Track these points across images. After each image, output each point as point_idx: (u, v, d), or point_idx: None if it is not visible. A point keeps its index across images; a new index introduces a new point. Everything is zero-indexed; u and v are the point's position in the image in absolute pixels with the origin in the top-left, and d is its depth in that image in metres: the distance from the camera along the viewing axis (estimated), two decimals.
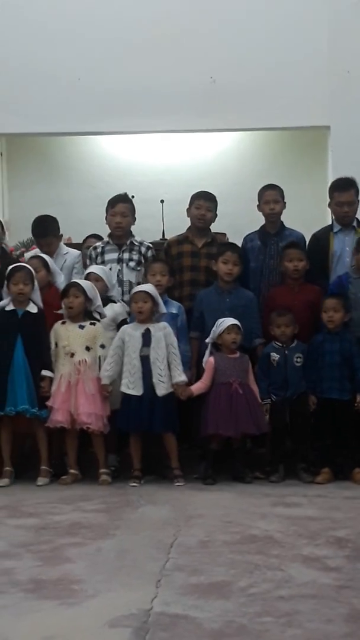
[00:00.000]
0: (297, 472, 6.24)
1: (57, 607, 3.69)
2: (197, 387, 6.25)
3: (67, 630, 3.47)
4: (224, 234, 7.63)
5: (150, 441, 6.33)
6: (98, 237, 7.28)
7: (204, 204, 6.87)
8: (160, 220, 8.77)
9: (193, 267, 6.77)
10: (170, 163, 10.13)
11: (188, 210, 6.93)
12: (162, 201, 8.84)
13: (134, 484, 6.06)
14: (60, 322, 6.37)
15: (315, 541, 4.62)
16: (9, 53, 9.05)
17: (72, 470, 6.24)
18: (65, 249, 7.10)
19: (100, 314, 6.41)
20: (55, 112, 9.03)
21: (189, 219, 6.95)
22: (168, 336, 6.24)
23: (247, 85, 8.93)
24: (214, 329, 6.28)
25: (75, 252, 7.11)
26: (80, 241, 7.75)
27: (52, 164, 10.30)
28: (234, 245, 6.80)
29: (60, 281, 6.65)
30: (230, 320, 6.26)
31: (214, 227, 7.13)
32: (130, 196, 7.05)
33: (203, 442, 6.32)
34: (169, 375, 6.19)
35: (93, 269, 6.61)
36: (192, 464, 6.36)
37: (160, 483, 6.14)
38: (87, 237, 7.60)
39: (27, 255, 7.22)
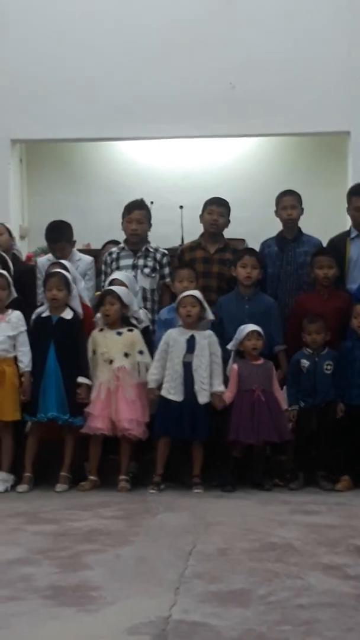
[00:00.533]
0: (317, 480, 6.21)
1: (76, 614, 3.67)
2: (227, 397, 6.23)
3: (86, 637, 3.46)
4: (243, 240, 7.62)
5: (172, 448, 6.32)
6: (117, 244, 7.28)
7: (216, 209, 6.86)
8: (179, 226, 8.77)
9: (205, 273, 6.75)
10: (189, 169, 10.14)
11: (201, 216, 6.94)
12: (181, 207, 8.85)
13: (153, 491, 6.05)
14: (97, 329, 6.37)
15: (334, 549, 4.59)
16: (29, 60, 9.09)
17: (91, 477, 6.24)
18: (78, 255, 7.08)
19: (137, 319, 6.40)
20: (75, 118, 9.08)
21: (201, 225, 6.95)
22: (212, 345, 6.22)
23: (267, 91, 8.93)
24: (236, 335, 6.27)
25: (88, 259, 7.10)
26: (99, 247, 7.76)
27: (71, 170, 10.33)
28: (251, 249, 6.79)
29: (81, 287, 6.65)
30: (251, 327, 6.24)
31: (232, 233, 7.12)
32: (149, 202, 7.06)
33: (225, 449, 6.30)
34: (210, 383, 6.17)
35: (117, 274, 6.60)
36: (211, 471, 6.34)
37: (179, 490, 6.13)
38: (106, 244, 7.60)
39: (40, 260, 7.22)
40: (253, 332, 6.23)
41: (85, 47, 9.07)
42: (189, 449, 6.25)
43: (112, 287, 6.38)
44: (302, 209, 6.90)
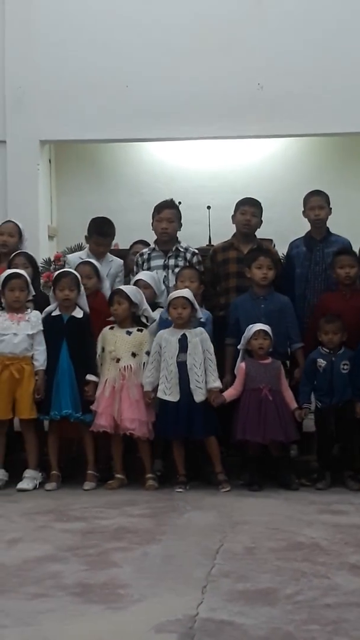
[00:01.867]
0: (344, 480, 6.20)
1: (104, 611, 3.70)
2: (229, 394, 6.24)
3: (113, 634, 3.49)
4: (270, 240, 7.62)
5: (196, 446, 6.34)
6: (145, 244, 7.31)
7: (249, 209, 6.87)
8: (207, 227, 8.78)
9: (239, 273, 6.75)
10: (217, 169, 10.14)
11: (233, 217, 6.94)
12: (208, 207, 8.85)
13: (180, 490, 6.07)
14: (108, 327, 6.41)
15: None
16: (58, 61, 9.13)
17: (118, 475, 6.27)
18: (111, 257, 7.13)
19: (147, 318, 6.42)
20: (104, 119, 9.10)
21: (234, 225, 6.96)
22: (204, 342, 6.23)
23: (295, 91, 8.91)
24: (244, 334, 6.29)
25: (119, 261, 7.13)
26: (127, 247, 7.78)
27: (100, 170, 10.36)
28: (265, 250, 6.76)
29: (106, 287, 6.68)
30: (258, 326, 6.26)
31: (261, 233, 7.11)
32: (177, 202, 7.08)
33: (241, 449, 6.30)
34: (206, 381, 6.18)
35: (142, 275, 6.64)
36: (238, 470, 6.35)
37: (206, 489, 6.14)
38: (134, 243, 7.63)
39: (70, 257, 7.25)
40: (260, 331, 6.24)
41: (114, 48, 9.09)
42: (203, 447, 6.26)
43: (120, 287, 6.41)
44: (330, 209, 6.88)
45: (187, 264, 6.80)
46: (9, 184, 9.13)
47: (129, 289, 6.37)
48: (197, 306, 6.29)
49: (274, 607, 3.70)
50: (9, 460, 6.41)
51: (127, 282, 6.97)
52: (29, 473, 6.24)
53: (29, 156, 9.25)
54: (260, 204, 6.91)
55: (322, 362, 6.28)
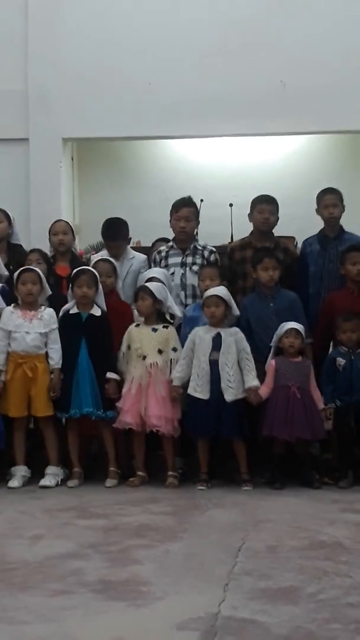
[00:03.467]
0: None
1: (125, 608, 3.71)
2: (263, 392, 6.22)
3: (135, 631, 3.49)
4: (293, 238, 7.60)
5: (218, 445, 6.33)
6: (166, 241, 7.31)
7: (266, 207, 6.85)
8: (229, 224, 8.77)
9: None
10: (240, 166, 10.12)
11: (250, 215, 6.93)
12: (230, 205, 8.83)
13: (202, 487, 6.07)
14: (134, 324, 6.41)
15: None
16: (81, 59, 9.14)
17: (139, 473, 6.28)
18: (132, 253, 7.13)
19: (172, 315, 6.42)
20: (126, 117, 9.10)
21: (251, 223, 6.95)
22: (240, 341, 6.23)
23: (318, 88, 8.88)
24: (277, 331, 6.28)
25: (142, 257, 7.12)
26: (150, 244, 7.79)
27: (122, 168, 10.37)
28: (268, 250, 6.73)
29: (119, 286, 6.68)
30: (290, 324, 6.26)
31: (284, 231, 7.10)
32: (199, 200, 7.06)
33: (266, 446, 6.30)
34: (238, 380, 6.17)
35: (153, 272, 6.63)
36: (260, 468, 6.34)
37: (228, 487, 6.14)
38: (156, 241, 7.63)
39: (94, 257, 7.27)
40: (291, 329, 6.23)
41: (136, 46, 9.09)
42: (230, 446, 6.25)
43: (146, 283, 6.41)
44: (344, 207, 6.87)
45: (205, 261, 6.79)
46: (32, 181, 9.16)
47: (154, 285, 6.35)
48: (232, 303, 6.28)
49: (296, 606, 3.69)
50: (32, 457, 6.42)
51: None
52: (50, 470, 6.26)
53: (51, 154, 9.28)
54: (276, 201, 6.90)
55: (341, 361, 6.26)
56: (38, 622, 3.56)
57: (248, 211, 6.99)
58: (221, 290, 6.28)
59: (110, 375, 6.29)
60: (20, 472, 6.24)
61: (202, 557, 4.45)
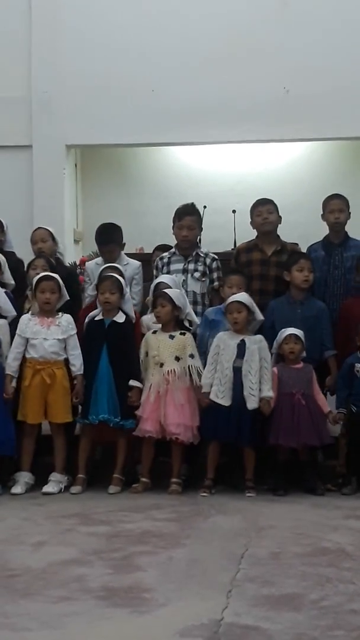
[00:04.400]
0: None
1: (128, 615, 3.70)
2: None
3: (138, 638, 3.49)
4: (296, 244, 7.60)
5: (222, 452, 6.33)
6: (167, 248, 7.34)
7: (263, 208, 6.86)
8: (232, 231, 8.78)
9: (262, 275, 6.74)
10: (243, 173, 10.14)
11: (251, 222, 6.93)
12: (233, 211, 8.85)
13: (205, 494, 6.07)
14: (151, 331, 6.41)
15: None
16: (84, 66, 9.18)
17: (143, 479, 6.27)
18: (126, 259, 7.10)
19: (190, 321, 6.42)
20: (130, 124, 9.13)
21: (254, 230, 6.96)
22: (262, 350, 6.22)
23: (321, 96, 8.90)
24: (277, 338, 6.28)
25: (136, 263, 7.10)
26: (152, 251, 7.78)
27: (125, 174, 10.40)
28: (305, 253, 6.77)
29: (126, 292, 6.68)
30: (289, 330, 6.25)
31: (287, 237, 7.10)
32: (202, 206, 7.07)
33: (270, 453, 6.29)
34: (259, 389, 6.16)
35: (162, 278, 6.63)
36: (263, 475, 6.33)
37: (231, 493, 6.13)
38: (156, 249, 7.62)
39: (88, 264, 7.27)
40: (291, 335, 6.22)
41: (140, 52, 9.12)
42: (239, 453, 6.24)
43: (165, 290, 6.40)
44: (349, 213, 6.87)
45: (208, 269, 6.80)
46: (35, 188, 9.18)
47: (173, 292, 6.34)
48: (254, 309, 6.27)
49: (299, 613, 3.69)
50: (35, 463, 6.42)
51: (146, 287, 6.97)
52: (54, 477, 6.25)
53: (55, 161, 9.31)
54: (272, 200, 6.90)
55: (359, 367, 6.24)
56: (40, 629, 3.55)
57: (250, 218, 6.98)
58: (243, 297, 6.27)
59: (133, 383, 6.27)
60: (24, 478, 6.24)
61: (205, 563, 4.44)
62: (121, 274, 6.56)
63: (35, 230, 7.11)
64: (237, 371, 6.15)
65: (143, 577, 4.20)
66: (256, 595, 3.91)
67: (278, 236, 6.95)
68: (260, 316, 6.32)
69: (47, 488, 6.16)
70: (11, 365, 6.26)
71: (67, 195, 9.49)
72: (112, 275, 6.38)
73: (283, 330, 6.28)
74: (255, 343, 6.22)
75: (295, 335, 6.23)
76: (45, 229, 7.09)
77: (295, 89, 8.98)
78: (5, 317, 6.40)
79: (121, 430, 6.27)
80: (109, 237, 7.01)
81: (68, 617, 3.68)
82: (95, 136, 9.31)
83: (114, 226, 7.10)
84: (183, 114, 9.01)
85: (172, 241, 7.17)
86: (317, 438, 6.14)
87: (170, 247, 7.13)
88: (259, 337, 6.27)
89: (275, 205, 6.90)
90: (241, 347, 6.19)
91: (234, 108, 8.97)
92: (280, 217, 6.91)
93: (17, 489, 6.15)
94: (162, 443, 6.28)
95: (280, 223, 6.92)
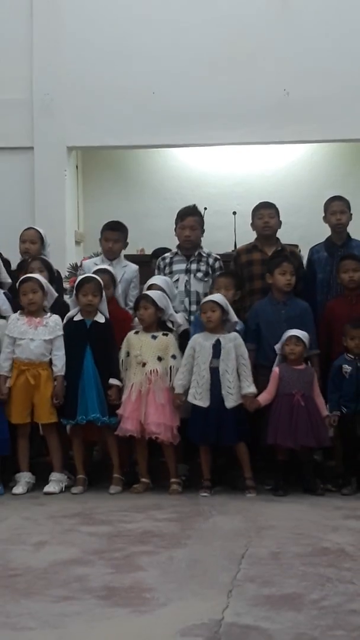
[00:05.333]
0: None
1: (129, 614, 3.71)
2: (264, 398, 6.23)
3: (139, 638, 3.50)
4: (296, 246, 7.62)
5: (220, 452, 6.35)
6: (165, 251, 7.37)
7: (265, 212, 6.89)
8: (232, 232, 8.79)
9: (264, 275, 6.76)
10: (243, 175, 10.16)
11: (252, 224, 6.96)
12: (234, 213, 8.86)
13: (205, 494, 6.08)
14: (133, 331, 6.43)
15: None
16: (85, 69, 9.20)
17: (143, 479, 6.29)
18: (125, 261, 7.13)
19: (173, 322, 6.45)
20: (130, 126, 9.15)
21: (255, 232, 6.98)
22: (238, 347, 6.24)
23: (321, 97, 8.92)
24: (281, 339, 6.29)
25: (134, 267, 7.12)
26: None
27: (126, 176, 10.42)
28: (288, 255, 6.77)
29: (118, 293, 6.69)
30: (291, 332, 6.27)
31: (287, 239, 7.12)
32: (202, 208, 7.09)
33: (270, 453, 6.31)
34: (238, 387, 6.18)
35: (155, 280, 6.64)
36: (263, 475, 6.35)
37: (232, 493, 6.15)
38: (155, 251, 7.63)
39: (85, 263, 7.27)
40: (291, 337, 6.25)
41: (140, 55, 9.14)
42: (234, 452, 6.26)
43: (146, 292, 6.43)
44: (351, 214, 6.89)
45: (210, 269, 6.82)
46: (36, 189, 9.21)
47: (155, 294, 6.38)
48: (229, 309, 6.28)
49: (299, 612, 3.70)
50: (35, 464, 6.44)
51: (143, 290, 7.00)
52: (54, 476, 6.27)
53: (56, 162, 9.34)
54: (274, 204, 6.92)
55: (347, 368, 6.26)
56: (41, 628, 3.57)
57: (251, 220, 7.01)
58: (217, 297, 6.29)
59: (112, 381, 6.31)
60: (24, 478, 6.26)
61: (206, 563, 4.45)
62: (112, 279, 6.58)
63: (26, 229, 7.12)
64: (214, 371, 6.16)
65: (144, 577, 4.21)
66: (256, 595, 3.93)
67: (277, 239, 6.97)
68: (234, 317, 6.33)
69: (48, 488, 6.18)
70: (3, 366, 6.28)
71: (68, 197, 9.51)
72: (93, 278, 6.40)
73: (287, 331, 6.30)
74: (231, 341, 6.23)
75: (297, 337, 6.25)
76: (36, 230, 7.10)
77: (296, 91, 9.00)
78: (4, 318, 6.42)
79: (109, 429, 6.28)
80: (117, 225, 7.07)
81: (69, 616, 3.69)
82: (96, 138, 9.34)
83: (123, 224, 7.14)
84: (184, 116, 9.03)
85: (172, 243, 7.19)
86: (315, 439, 6.15)
87: (169, 250, 7.15)
88: (234, 334, 6.28)
89: (277, 209, 6.92)
90: (217, 347, 6.21)
91: (234, 110, 8.99)
92: (280, 221, 6.94)
93: (18, 489, 6.17)
94: (160, 444, 6.30)
95: (279, 227, 6.95)
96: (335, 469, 6.43)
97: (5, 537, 5.03)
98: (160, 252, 7.43)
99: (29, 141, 9.30)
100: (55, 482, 6.23)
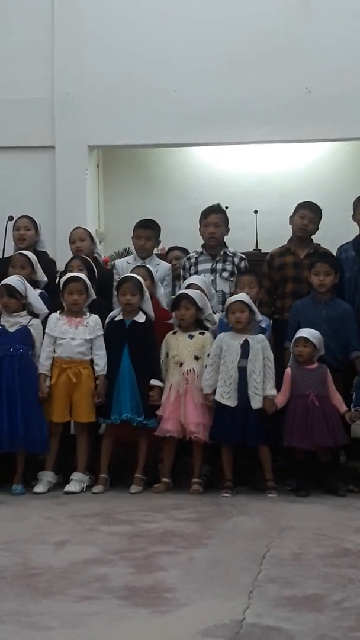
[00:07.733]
0: None
1: (150, 614, 3.71)
2: (279, 400, 6.22)
3: (159, 638, 3.49)
4: (318, 244, 7.58)
5: (243, 452, 6.32)
6: (181, 250, 7.35)
7: (308, 214, 6.87)
8: (254, 231, 8.76)
9: (296, 278, 6.75)
10: (265, 173, 10.10)
11: (291, 217, 6.93)
12: (255, 212, 8.82)
13: (226, 494, 6.06)
14: (171, 332, 6.43)
15: None
16: (106, 67, 9.18)
17: (164, 479, 6.28)
18: (157, 260, 7.16)
19: (210, 321, 6.43)
20: (151, 124, 9.12)
21: (289, 227, 6.96)
22: (265, 349, 6.23)
23: (343, 96, 8.85)
24: (293, 339, 6.27)
25: (167, 265, 7.16)
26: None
27: (147, 175, 10.39)
28: (323, 255, 6.74)
29: (160, 293, 6.70)
30: (301, 332, 6.25)
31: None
32: (224, 207, 7.07)
33: (289, 454, 6.28)
34: (263, 388, 6.16)
35: (193, 279, 6.63)
36: (284, 476, 6.32)
37: (253, 494, 6.13)
38: (170, 250, 7.63)
39: (118, 262, 7.28)
40: (300, 338, 6.21)
41: (161, 53, 9.12)
42: (256, 453, 6.24)
43: (186, 291, 6.41)
44: None
45: (236, 268, 6.81)
46: (57, 189, 9.20)
47: (195, 294, 6.37)
48: (254, 309, 6.27)
49: (321, 614, 3.68)
50: (62, 463, 6.44)
51: (173, 287, 6.98)
52: (76, 476, 6.27)
53: (77, 161, 9.32)
54: (320, 210, 6.92)
55: None
56: (62, 628, 3.56)
57: (273, 218, 7.00)
58: (244, 296, 6.28)
59: (154, 382, 6.30)
60: (46, 477, 6.27)
61: (227, 564, 4.44)
62: (149, 273, 6.57)
63: (74, 229, 7.24)
64: (242, 371, 6.15)
65: (164, 577, 4.20)
66: (278, 596, 3.91)
67: (311, 240, 6.95)
68: (259, 317, 6.32)
69: (69, 487, 6.19)
70: (44, 365, 6.31)
71: (89, 196, 9.50)
72: (133, 277, 6.40)
73: (298, 331, 6.26)
74: (259, 342, 6.23)
75: (305, 338, 6.21)
76: (84, 228, 7.24)
77: (317, 89, 8.94)
78: (37, 316, 6.43)
79: (143, 430, 6.28)
80: (149, 223, 7.10)
81: (89, 616, 3.69)
82: (117, 137, 9.31)
83: (155, 221, 7.16)
84: (205, 114, 9.00)
85: (193, 242, 7.18)
86: (332, 439, 6.12)
87: (185, 249, 7.14)
88: (261, 336, 6.29)
89: (320, 215, 6.91)
90: (245, 347, 6.19)
91: (255, 108, 8.94)
92: (318, 227, 6.91)
93: (39, 488, 6.18)
94: (183, 443, 6.28)
95: (314, 234, 6.92)
96: (357, 470, 6.39)
97: (27, 536, 5.04)
98: (176, 250, 7.42)
99: (50, 140, 9.29)
100: (77, 481, 6.24)
